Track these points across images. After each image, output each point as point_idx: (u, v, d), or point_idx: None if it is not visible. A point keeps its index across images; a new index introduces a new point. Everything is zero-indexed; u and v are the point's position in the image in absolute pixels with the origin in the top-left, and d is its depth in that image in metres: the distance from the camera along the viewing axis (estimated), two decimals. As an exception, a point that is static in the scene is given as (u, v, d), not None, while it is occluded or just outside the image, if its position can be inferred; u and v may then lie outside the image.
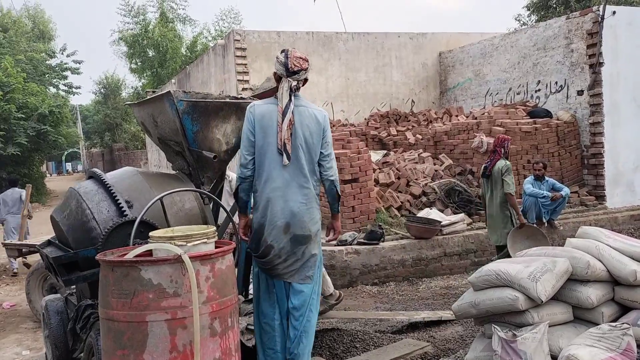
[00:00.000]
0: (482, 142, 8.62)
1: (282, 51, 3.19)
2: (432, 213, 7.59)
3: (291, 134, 3.10)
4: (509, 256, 5.78)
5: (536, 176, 7.39)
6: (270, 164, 3.13)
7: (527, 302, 2.93)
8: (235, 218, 3.66)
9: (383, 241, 7.07)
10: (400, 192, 8.36)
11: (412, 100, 12.34)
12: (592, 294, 2.96)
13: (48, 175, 41.41)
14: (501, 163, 6.25)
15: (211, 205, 3.76)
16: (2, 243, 7.79)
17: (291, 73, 3.12)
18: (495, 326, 2.96)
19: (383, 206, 7.95)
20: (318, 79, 11.06)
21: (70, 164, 56.13)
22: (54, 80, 25.69)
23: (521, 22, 21.35)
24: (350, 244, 6.95)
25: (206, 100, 3.54)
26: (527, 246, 5.66)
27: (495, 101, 11.10)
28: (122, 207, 3.27)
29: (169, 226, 3.19)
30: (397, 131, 10.69)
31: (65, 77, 26.24)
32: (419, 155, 9.49)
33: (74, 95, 27.44)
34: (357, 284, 6.83)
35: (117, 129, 36.78)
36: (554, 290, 2.95)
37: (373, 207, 7.72)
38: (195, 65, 14.21)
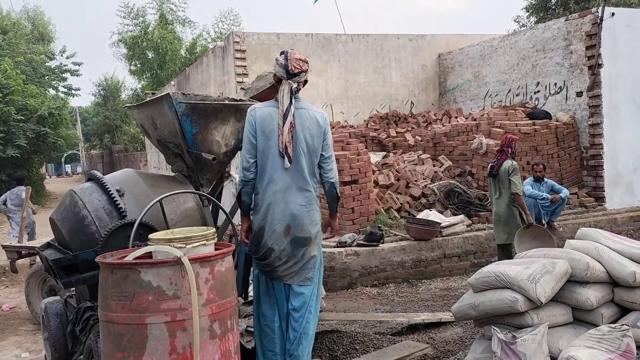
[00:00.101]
0: (481, 143, 8.63)
1: (282, 53, 3.20)
2: (432, 214, 7.59)
3: (292, 136, 3.11)
4: (511, 256, 5.78)
5: (536, 177, 7.40)
6: (272, 166, 3.13)
7: (526, 304, 2.93)
8: (235, 220, 3.66)
9: (382, 243, 7.07)
10: (399, 193, 8.36)
11: (412, 102, 12.36)
12: (591, 295, 2.96)
13: (47, 177, 41.41)
14: (508, 163, 6.26)
15: (210, 207, 3.76)
16: (1, 245, 7.79)
17: (291, 75, 3.13)
18: (495, 328, 2.96)
19: (382, 208, 7.95)
20: (317, 80, 11.07)
21: (69, 165, 56.12)
22: (54, 82, 25.72)
23: (520, 23, 21.38)
24: (350, 246, 6.95)
25: (205, 102, 3.54)
26: (534, 246, 5.66)
27: (494, 103, 11.11)
28: (121, 209, 3.27)
29: (168, 228, 3.19)
30: (397, 133, 10.70)
31: (65, 79, 26.28)
32: (418, 156, 9.49)
33: (73, 97, 27.50)
34: (356, 285, 6.82)
35: (116, 131, 36.79)
36: (553, 292, 2.95)
37: (372, 209, 7.72)
38: (195, 67, 14.22)
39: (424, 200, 8.15)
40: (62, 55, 26.55)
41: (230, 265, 2.69)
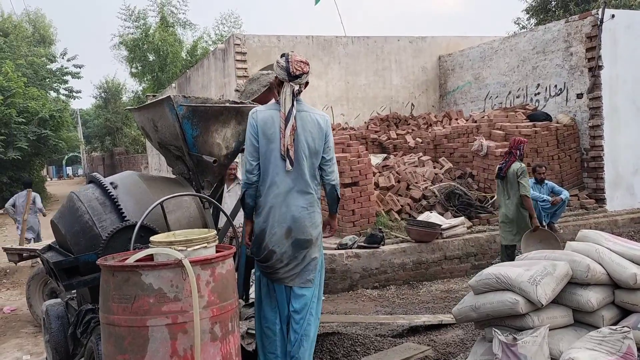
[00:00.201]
0: (482, 145, 8.63)
1: (283, 55, 3.21)
2: (432, 216, 7.59)
3: (294, 139, 3.11)
4: (513, 258, 5.78)
5: (539, 179, 7.40)
6: (274, 169, 3.14)
7: (527, 306, 2.93)
8: (236, 222, 3.67)
9: (383, 245, 7.07)
10: (400, 195, 8.37)
11: (412, 104, 12.36)
12: (592, 297, 2.96)
13: (49, 179, 41.45)
14: (516, 165, 6.26)
15: (211, 209, 3.76)
16: (2, 247, 7.80)
17: (293, 77, 3.13)
18: (496, 330, 2.96)
19: (383, 210, 7.96)
20: (318, 82, 11.08)
21: (70, 168, 56.18)
22: (55, 85, 25.73)
23: (520, 25, 21.38)
24: (351, 248, 6.95)
25: (206, 104, 3.55)
26: (540, 250, 5.66)
27: (494, 104, 11.11)
28: (123, 211, 3.28)
29: (169, 230, 3.19)
30: (397, 135, 10.71)
31: (66, 82, 26.29)
32: (418, 158, 9.49)
33: (74, 99, 27.61)
34: (357, 287, 6.83)
35: (117, 133, 36.81)
36: (554, 294, 2.96)
37: (373, 211, 7.72)
38: (196, 70, 14.24)
39: (424, 202, 8.16)
40: (63, 58, 26.59)
41: (231, 268, 2.69)
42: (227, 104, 3.67)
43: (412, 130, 10.94)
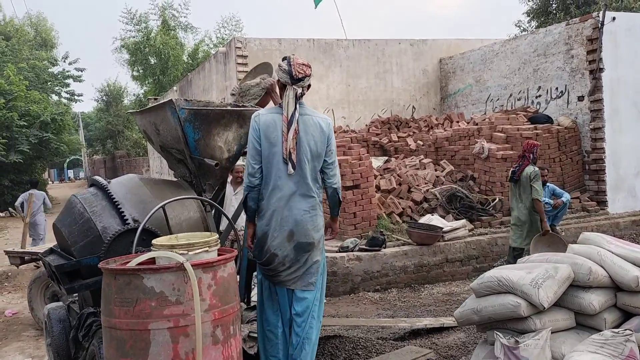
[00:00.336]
0: (483, 148, 8.63)
1: (284, 59, 3.21)
2: (434, 219, 7.59)
3: (296, 143, 3.12)
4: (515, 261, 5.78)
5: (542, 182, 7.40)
6: (276, 173, 3.15)
7: (529, 309, 2.93)
8: (237, 224, 3.67)
9: (385, 247, 7.07)
10: (401, 198, 8.36)
11: (413, 107, 12.37)
12: (594, 300, 2.96)
13: (50, 182, 41.48)
14: (530, 169, 6.28)
15: (213, 212, 3.76)
16: (4, 250, 7.81)
17: (296, 80, 3.14)
18: (498, 333, 2.95)
19: (384, 212, 7.95)
20: (319, 85, 11.10)
21: (72, 171, 56.25)
22: (56, 88, 25.79)
23: (521, 28, 21.40)
24: (352, 251, 6.95)
25: (208, 108, 3.55)
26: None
27: (496, 107, 11.12)
28: (124, 214, 3.28)
29: (171, 234, 3.20)
30: (398, 137, 10.71)
31: (68, 85, 26.35)
32: (420, 161, 9.49)
33: (76, 102, 27.58)
34: (358, 290, 6.82)
35: (119, 136, 36.86)
36: (556, 297, 2.95)
37: (374, 214, 7.72)
38: (197, 73, 14.26)
39: (425, 205, 8.15)
40: (64, 61, 26.66)
41: (232, 271, 2.69)
42: (229, 107, 3.68)
43: (413, 132, 10.95)
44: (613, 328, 2.92)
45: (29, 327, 6.43)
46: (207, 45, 29.18)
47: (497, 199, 8.29)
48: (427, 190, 8.39)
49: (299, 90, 3.15)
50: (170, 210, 3.35)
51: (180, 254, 2.48)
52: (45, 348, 4.14)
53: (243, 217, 3.47)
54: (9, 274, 8.98)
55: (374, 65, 11.94)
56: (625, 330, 2.78)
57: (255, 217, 3.28)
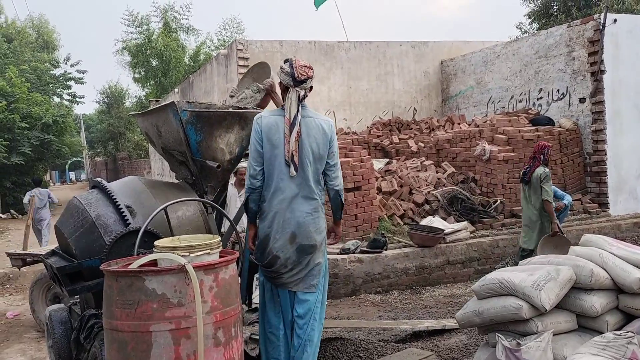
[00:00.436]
0: (484, 149, 8.63)
1: (286, 61, 3.22)
2: (435, 221, 7.58)
3: (298, 145, 3.12)
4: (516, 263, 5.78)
5: None
6: (278, 175, 3.15)
7: (531, 311, 2.92)
8: (239, 226, 3.67)
9: (386, 249, 7.06)
10: (402, 200, 8.36)
11: (414, 109, 12.37)
12: (596, 302, 2.95)
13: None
14: (540, 170, 6.29)
15: (214, 214, 3.77)
16: (6, 252, 7.81)
17: (298, 82, 3.15)
18: (499, 335, 2.95)
19: (386, 214, 7.95)
20: (320, 87, 11.10)
21: (73, 173, 56.38)
22: (58, 90, 25.88)
23: (522, 30, 21.41)
24: (353, 253, 6.95)
25: (209, 110, 3.56)
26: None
27: (497, 109, 11.12)
28: (126, 216, 3.29)
29: (172, 236, 3.20)
30: (400, 139, 10.71)
31: (69, 87, 26.45)
32: (421, 163, 9.49)
33: (77, 104, 27.66)
34: (360, 292, 6.81)
35: (120, 138, 36.93)
36: (557, 299, 2.95)
37: (376, 216, 7.72)
38: (198, 75, 14.28)
39: (427, 207, 8.15)
40: (66, 63, 26.76)
41: (234, 273, 2.69)
42: (231, 110, 3.69)
43: (415, 134, 10.94)
44: (615, 330, 2.92)
45: (31, 328, 6.44)
46: (209, 47, 29.28)
47: (499, 201, 8.28)
48: (429, 192, 8.38)
49: (302, 92, 3.15)
50: (171, 212, 3.35)
51: (182, 256, 2.48)
52: (46, 350, 4.14)
53: (245, 219, 3.47)
54: (11, 275, 8.99)
55: (375, 67, 11.95)
56: (627, 332, 2.77)
57: (257, 219, 3.28)
